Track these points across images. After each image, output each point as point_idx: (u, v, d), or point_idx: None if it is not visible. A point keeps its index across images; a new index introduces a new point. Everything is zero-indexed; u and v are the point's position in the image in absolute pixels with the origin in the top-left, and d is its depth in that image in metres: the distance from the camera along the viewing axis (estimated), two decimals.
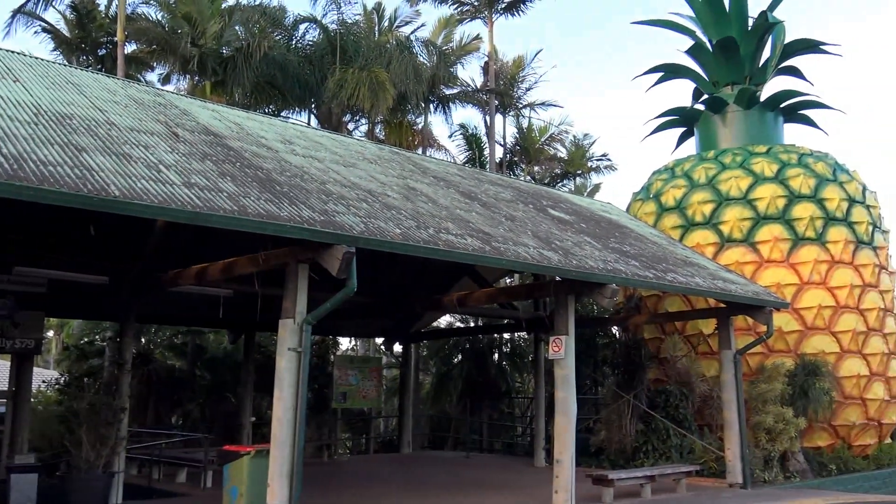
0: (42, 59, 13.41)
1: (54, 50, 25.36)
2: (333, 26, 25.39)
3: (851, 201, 19.23)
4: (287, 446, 8.96)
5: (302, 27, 26.11)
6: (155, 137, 10.28)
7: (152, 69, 27.07)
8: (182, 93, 23.33)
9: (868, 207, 19.63)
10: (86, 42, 24.91)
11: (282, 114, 26.33)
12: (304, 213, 8.94)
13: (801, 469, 16.74)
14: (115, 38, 22.99)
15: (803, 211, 18.59)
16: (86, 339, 25.15)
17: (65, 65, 17.83)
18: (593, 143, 34.66)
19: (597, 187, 36.09)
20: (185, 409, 22.36)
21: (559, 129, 33.29)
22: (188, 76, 25.06)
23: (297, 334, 9.12)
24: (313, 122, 26.55)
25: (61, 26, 25.38)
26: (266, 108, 25.42)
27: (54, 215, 9.19)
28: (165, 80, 26.79)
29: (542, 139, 32.92)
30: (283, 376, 9.03)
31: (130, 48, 25.24)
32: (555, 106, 34.80)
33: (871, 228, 19.33)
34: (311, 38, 26.14)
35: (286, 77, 24.10)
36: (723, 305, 15.71)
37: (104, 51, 25.14)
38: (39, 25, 24.98)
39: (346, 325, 21.36)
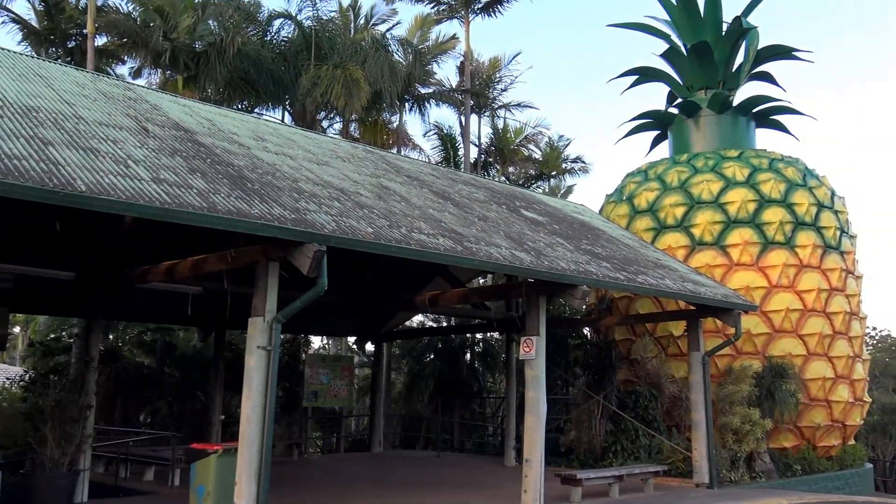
0: (9, 51, 13.17)
1: (22, 41, 24.94)
2: (309, 23, 25.24)
3: (820, 206, 19.48)
4: (255, 445, 8.89)
5: (277, 23, 25.92)
6: (124, 132, 10.15)
7: (123, 62, 26.74)
8: (153, 87, 23.12)
9: (836, 213, 19.90)
10: (55, 33, 24.50)
11: (255, 110, 26.13)
12: (275, 211, 8.88)
13: (767, 469, 16.94)
14: (86, 30, 22.64)
15: (773, 215, 18.81)
16: (53, 336, 24.79)
17: (33, 56, 17.55)
18: (568, 144, 34.81)
19: (570, 189, 36.27)
20: (154, 407, 22.12)
21: (534, 130, 33.39)
22: (160, 70, 24.80)
23: (266, 332, 9.06)
24: (287, 119, 26.39)
25: (30, 17, 24.98)
26: (239, 105, 25.21)
27: (20, 210, 9.04)
28: (137, 73, 26.47)
29: (517, 140, 32.99)
30: (253, 375, 8.97)
31: (101, 41, 24.89)
32: (530, 107, 34.96)
33: (838, 233, 19.60)
34: (285, 35, 25.96)
35: (260, 73, 23.89)
36: (692, 308, 15.84)
37: (74, 43, 24.73)
38: (7, 16, 24.56)
39: (318, 323, 21.25)
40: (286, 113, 26.79)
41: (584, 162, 34.65)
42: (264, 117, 23.05)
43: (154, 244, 11.97)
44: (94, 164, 8.27)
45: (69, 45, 24.84)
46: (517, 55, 33.01)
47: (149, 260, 11.32)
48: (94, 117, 10.40)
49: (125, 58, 25.87)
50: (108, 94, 12.47)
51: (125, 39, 23.52)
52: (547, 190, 33.27)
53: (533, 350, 11.88)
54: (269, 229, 8.38)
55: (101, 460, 15.53)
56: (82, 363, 13.31)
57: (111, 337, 23.26)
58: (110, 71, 26.48)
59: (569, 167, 34.42)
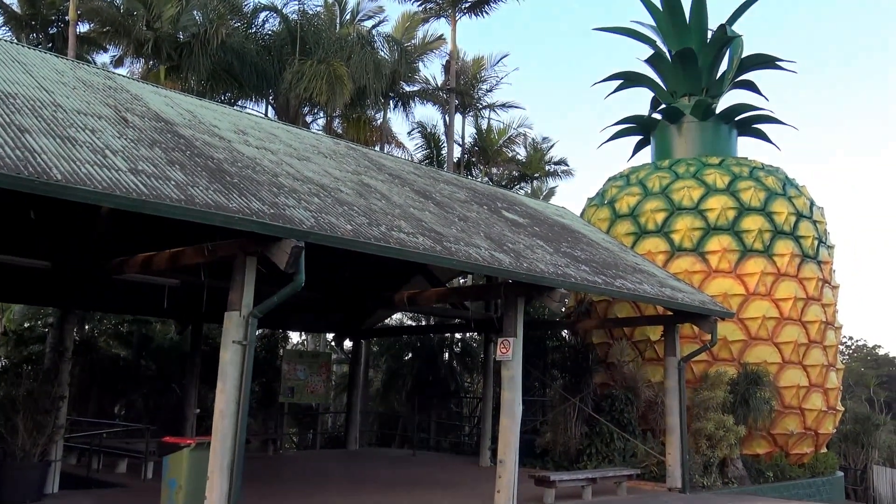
0: None
1: (3, 26, 24.67)
2: (294, 16, 25.10)
3: (799, 216, 19.62)
4: (228, 439, 8.84)
5: (262, 15, 25.75)
6: (103, 122, 10.05)
7: (105, 51, 26.46)
8: (136, 77, 22.91)
9: (815, 222, 20.06)
10: (36, 19, 24.24)
11: (238, 103, 25.96)
12: (253, 206, 8.82)
13: (740, 475, 17.05)
14: (68, 17, 22.41)
15: (752, 223, 18.93)
16: (28, 325, 24.54)
17: (12, 42, 17.34)
18: (552, 146, 34.83)
19: (553, 191, 36.31)
20: (129, 400, 21.92)
21: (518, 131, 33.38)
22: (142, 60, 24.57)
23: (242, 327, 8.99)
24: (271, 113, 26.24)
25: (11, 1, 24.68)
26: (222, 97, 25.02)
27: None
28: (118, 62, 26.22)
29: (501, 141, 32.97)
30: (227, 369, 8.91)
31: (83, 28, 24.66)
32: (515, 107, 34.92)
33: (816, 243, 19.75)
34: (270, 28, 25.82)
35: (244, 66, 23.73)
36: (670, 313, 15.91)
37: (55, 29, 24.50)
38: None
39: (297, 319, 21.19)
40: (269, 107, 26.65)
41: (567, 165, 34.72)
42: (247, 110, 22.93)
43: (132, 235, 11.86)
44: (71, 153, 8.17)
45: (51, 32, 24.61)
46: (504, 56, 33.10)
47: (126, 251, 11.23)
48: (72, 105, 10.29)
49: (107, 46, 25.60)
50: (88, 82, 12.34)
51: (107, 28, 23.26)
52: (529, 192, 33.30)
53: (510, 351, 11.89)
54: (247, 223, 8.33)
55: (74, 452, 15.39)
56: (56, 353, 13.16)
57: (87, 328, 23.04)
58: (92, 59, 26.22)
59: (552, 170, 34.48)
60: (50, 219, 11.52)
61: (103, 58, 27.43)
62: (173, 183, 8.52)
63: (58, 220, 11.54)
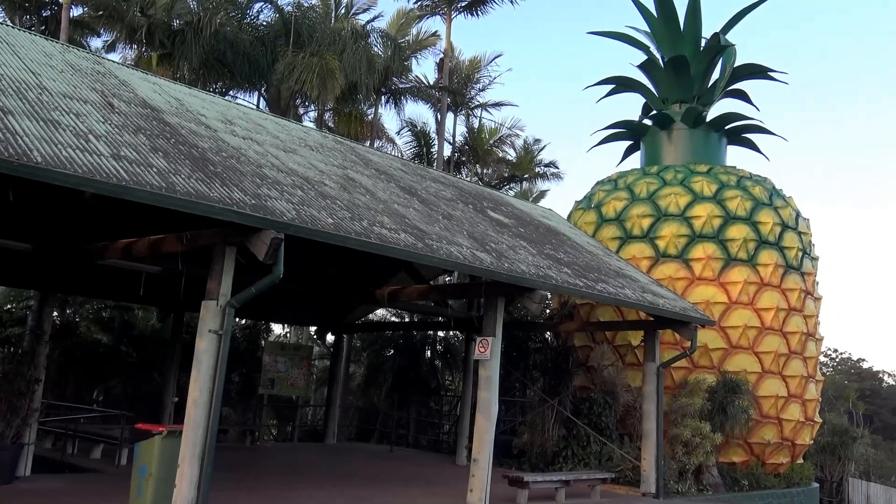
0: None
1: None
2: (289, 8, 25.06)
3: (784, 227, 19.72)
4: (201, 428, 8.84)
5: (257, 6, 25.68)
6: (88, 106, 10.02)
7: (98, 35, 26.36)
8: (128, 63, 22.84)
9: (800, 234, 20.17)
10: (30, 1, 24.11)
11: (230, 93, 25.89)
12: (234, 196, 8.81)
13: (715, 483, 17.13)
14: (61, 0, 22.30)
15: (737, 232, 19.02)
16: (9, 307, 24.40)
17: (5, 23, 17.24)
18: (542, 148, 34.87)
19: (543, 193, 36.25)
20: (108, 385, 21.87)
21: (509, 131, 33.45)
22: (135, 46, 24.47)
23: (219, 316, 8.99)
24: (262, 104, 26.19)
25: None
26: (214, 86, 24.95)
27: None
28: (111, 47, 26.12)
29: (492, 140, 33.00)
30: (202, 358, 8.91)
31: (77, 12, 24.54)
32: (508, 105, 34.98)
33: (800, 254, 19.86)
34: (265, 18, 25.75)
35: (236, 56, 23.64)
36: (651, 319, 15.97)
37: (49, 12, 24.38)
38: None
39: (279, 311, 21.13)
40: (261, 98, 26.60)
41: (557, 167, 34.77)
42: (238, 101, 22.87)
43: (115, 221, 11.81)
44: (54, 136, 8.16)
45: (44, 15, 24.47)
46: (498, 56, 33.08)
47: (109, 237, 11.19)
48: (58, 89, 10.26)
49: (100, 31, 25.51)
50: (77, 66, 12.29)
51: (101, 12, 23.17)
52: (518, 192, 33.33)
53: (488, 351, 11.92)
54: (227, 213, 8.33)
55: (49, 436, 15.37)
56: (34, 336, 13.13)
57: (68, 312, 22.95)
58: (85, 43, 26.11)
59: (542, 171, 34.53)
60: (32, 202, 11.46)
61: (96, 42, 27.37)
62: (155, 170, 8.50)
63: (40, 204, 11.48)
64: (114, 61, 15.14)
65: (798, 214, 20.69)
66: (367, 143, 26.50)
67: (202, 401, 8.84)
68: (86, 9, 24.36)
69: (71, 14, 22.72)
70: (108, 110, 10.27)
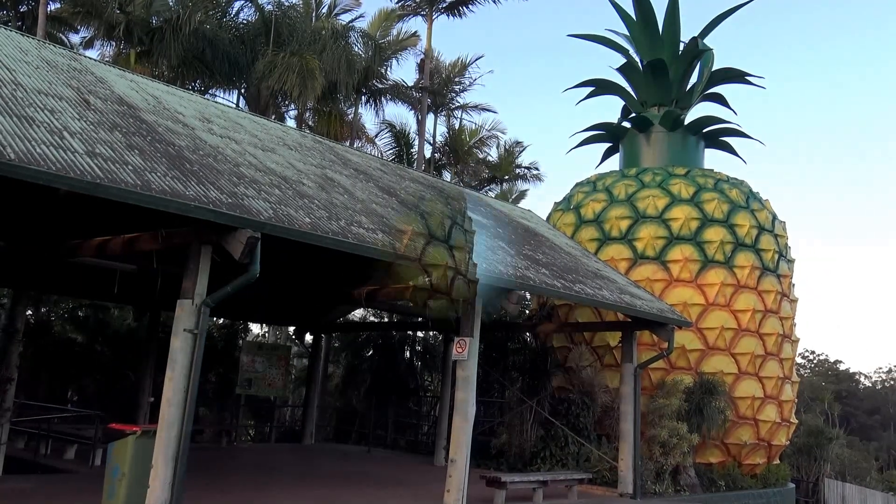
0: None
1: None
2: (270, 7, 24.95)
3: (761, 229, 19.87)
4: (175, 428, 8.77)
5: (237, 4, 25.62)
6: (63, 103, 9.91)
7: (76, 31, 26.13)
8: (106, 60, 22.61)
9: (776, 236, 20.33)
10: None
11: (209, 92, 25.71)
12: (211, 194, 8.75)
13: (692, 483, 17.22)
14: None
15: (714, 234, 19.14)
16: None
17: None
18: (523, 150, 34.96)
19: (523, 194, 36.35)
20: (82, 385, 21.63)
21: (490, 133, 33.46)
22: (113, 43, 24.26)
23: (194, 315, 8.92)
24: (242, 103, 26.05)
25: None
26: (193, 84, 24.78)
27: None
28: (88, 44, 25.89)
29: (472, 141, 33.02)
30: (177, 357, 8.83)
31: (54, 6, 24.28)
32: (488, 110, 34.97)
33: (777, 256, 20.01)
34: (245, 17, 25.64)
35: (216, 54, 23.49)
36: (629, 320, 16.03)
37: (26, 7, 24.11)
38: None
39: (257, 310, 21.01)
40: (241, 97, 26.45)
41: (537, 169, 34.89)
42: (217, 99, 22.72)
43: (90, 219, 11.68)
44: (28, 132, 8.06)
45: (21, 10, 24.19)
46: (479, 58, 32.96)
47: (83, 234, 11.07)
48: (33, 85, 10.14)
49: (78, 27, 25.26)
50: (52, 62, 12.16)
51: (79, 8, 22.93)
52: (499, 194, 33.37)
53: (465, 351, 11.92)
54: (202, 212, 8.26)
55: (22, 436, 15.18)
56: (7, 335, 12.98)
57: (42, 310, 22.69)
58: (63, 38, 25.86)
59: (522, 173, 34.60)
60: (5, 199, 11.32)
61: (74, 39, 27.07)
62: (130, 168, 8.43)
63: (13, 201, 11.34)
64: (91, 58, 14.98)
65: (774, 217, 20.86)
66: (347, 143, 26.41)
67: (177, 400, 8.77)
68: (63, 4, 24.09)
69: (49, 9, 22.47)
70: (84, 107, 10.17)
